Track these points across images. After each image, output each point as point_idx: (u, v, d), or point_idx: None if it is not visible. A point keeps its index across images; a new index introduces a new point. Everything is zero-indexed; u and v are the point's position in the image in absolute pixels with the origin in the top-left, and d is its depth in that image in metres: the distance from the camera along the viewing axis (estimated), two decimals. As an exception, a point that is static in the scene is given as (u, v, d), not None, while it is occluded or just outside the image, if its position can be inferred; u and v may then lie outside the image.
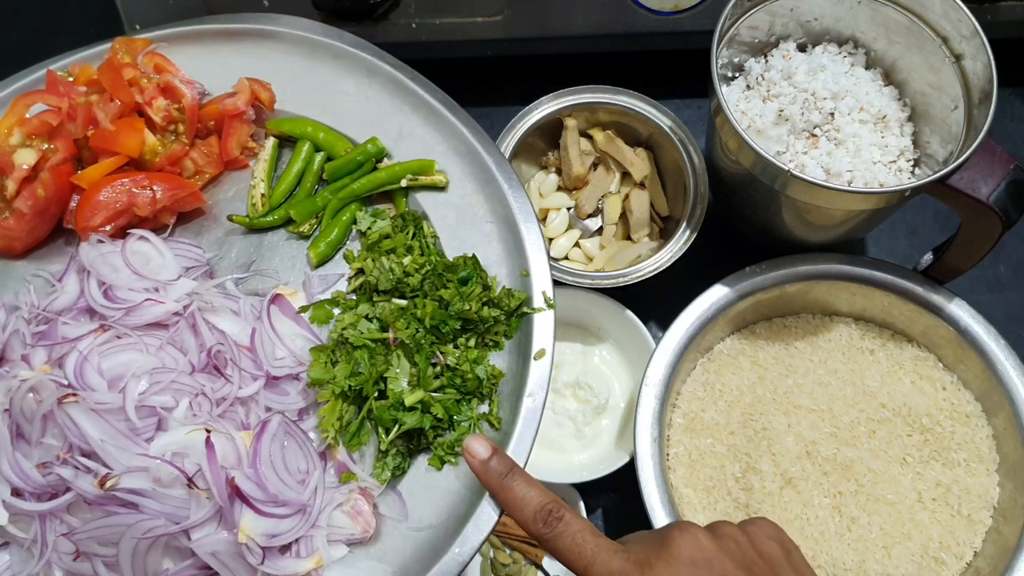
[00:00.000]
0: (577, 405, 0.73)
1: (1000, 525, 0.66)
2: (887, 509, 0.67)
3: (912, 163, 0.68)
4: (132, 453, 0.49)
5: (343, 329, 0.55)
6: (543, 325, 0.56)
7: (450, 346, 0.55)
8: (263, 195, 0.62)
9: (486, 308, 0.56)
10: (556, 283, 0.71)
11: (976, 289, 0.76)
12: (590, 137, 0.78)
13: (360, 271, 0.59)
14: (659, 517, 0.64)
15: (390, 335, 0.55)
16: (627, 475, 0.67)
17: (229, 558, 0.49)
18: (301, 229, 0.61)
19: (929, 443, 0.69)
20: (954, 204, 0.63)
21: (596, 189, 0.78)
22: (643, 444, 0.66)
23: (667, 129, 0.74)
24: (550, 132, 0.77)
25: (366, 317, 0.56)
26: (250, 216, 0.62)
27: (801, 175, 0.61)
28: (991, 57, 0.62)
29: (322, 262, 0.61)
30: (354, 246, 0.61)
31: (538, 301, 0.57)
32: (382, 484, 0.53)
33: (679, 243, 0.71)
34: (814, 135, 0.68)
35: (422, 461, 0.54)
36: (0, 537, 0.52)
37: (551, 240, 0.77)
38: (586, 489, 0.70)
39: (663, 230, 0.77)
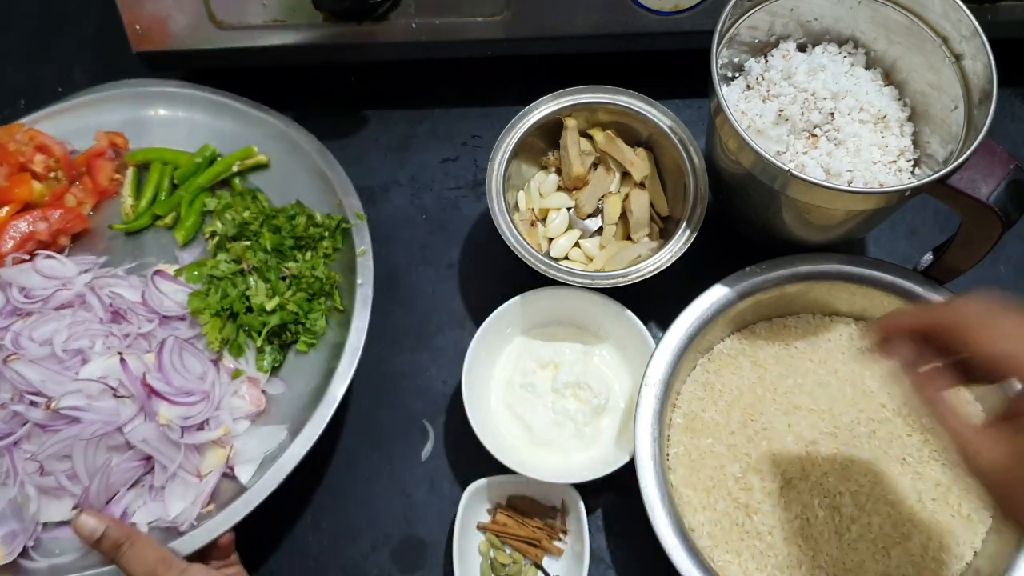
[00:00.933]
0: (577, 405, 0.73)
1: (1000, 525, 0.66)
2: (887, 509, 0.67)
3: (912, 163, 0.68)
4: (67, 382, 0.65)
5: (209, 272, 0.72)
6: (361, 234, 0.74)
7: (291, 263, 0.73)
8: (132, 205, 0.79)
9: (312, 228, 0.74)
10: (556, 283, 0.71)
11: (976, 289, 0.76)
12: (590, 137, 0.78)
13: (214, 233, 0.76)
14: (659, 517, 0.64)
15: (244, 266, 0.72)
16: (627, 475, 0.67)
17: (157, 441, 0.64)
18: (166, 222, 0.78)
19: (929, 443, 0.69)
20: (954, 204, 0.63)
21: (596, 189, 0.78)
22: (643, 444, 0.66)
23: (667, 129, 0.74)
24: (550, 132, 0.77)
25: (224, 261, 0.73)
26: (125, 222, 0.78)
27: (801, 175, 0.61)
28: (991, 57, 0.61)
29: (187, 242, 0.78)
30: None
31: (352, 219, 0.75)
32: (264, 373, 0.71)
33: (679, 243, 0.71)
34: (814, 135, 0.68)
35: (294, 351, 0.73)
36: None
37: (551, 240, 0.77)
38: (586, 489, 0.70)
39: (663, 230, 0.77)
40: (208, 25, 0.77)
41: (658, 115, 0.75)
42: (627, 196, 0.77)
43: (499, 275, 0.78)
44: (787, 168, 0.61)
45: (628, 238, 0.77)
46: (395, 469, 0.75)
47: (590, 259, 0.77)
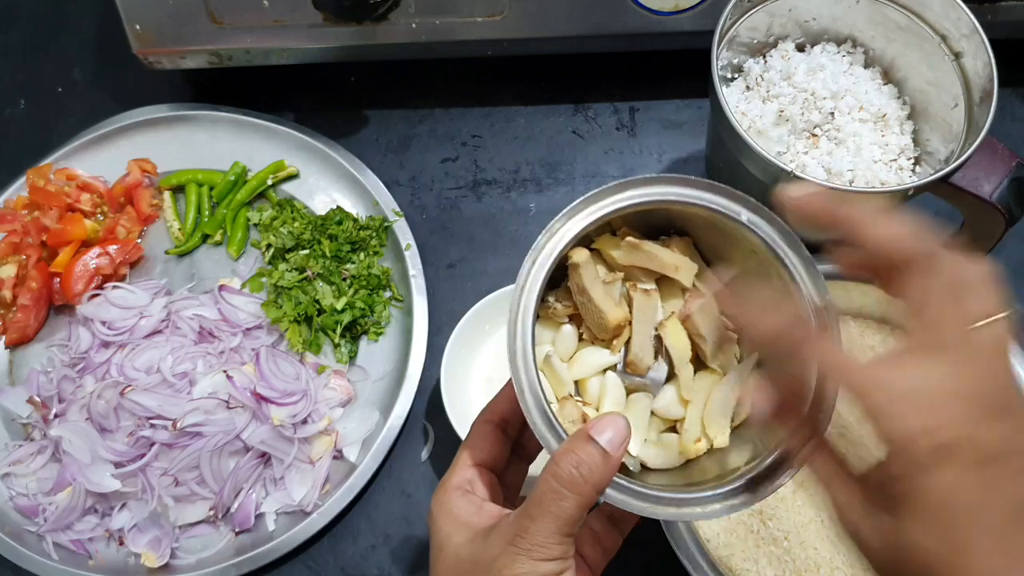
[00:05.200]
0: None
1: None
2: (901, 505, 0.66)
3: (912, 161, 0.68)
4: (183, 403, 0.71)
5: (275, 283, 0.78)
6: (402, 229, 0.81)
7: (349, 264, 0.79)
8: (179, 228, 0.83)
9: (360, 231, 0.80)
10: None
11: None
12: (596, 251, 0.51)
13: (269, 245, 0.81)
14: (676, 531, 0.63)
15: (308, 273, 0.78)
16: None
17: (273, 440, 0.71)
18: (216, 239, 0.83)
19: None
20: (956, 202, 0.63)
21: (645, 326, 0.49)
22: None
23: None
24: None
25: (287, 270, 0.78)
26: (177, 246, 0.83)
27: (803, 175, 0.61)
28: (991, 55, 0.62)
29: (240, 255, 0.82)
30: (256, 237, 0.84)
31: (392, 216, 0.81)
32: (344, 365, 0.77)
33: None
34: (814, 135, 0.68)
35: (365, 340, 0.79)
36: (117, 500, 0.71)
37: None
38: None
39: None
40: (208, 25, 0.77)
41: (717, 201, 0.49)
42: (686, 317, 0.50)
43: (499, 275, 0.78)
44: (789, 169, 0.61)
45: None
46: (395, 469, 0.75)
47: (669, 424, 0.50)
